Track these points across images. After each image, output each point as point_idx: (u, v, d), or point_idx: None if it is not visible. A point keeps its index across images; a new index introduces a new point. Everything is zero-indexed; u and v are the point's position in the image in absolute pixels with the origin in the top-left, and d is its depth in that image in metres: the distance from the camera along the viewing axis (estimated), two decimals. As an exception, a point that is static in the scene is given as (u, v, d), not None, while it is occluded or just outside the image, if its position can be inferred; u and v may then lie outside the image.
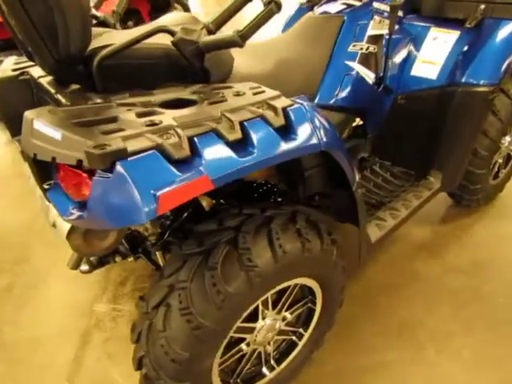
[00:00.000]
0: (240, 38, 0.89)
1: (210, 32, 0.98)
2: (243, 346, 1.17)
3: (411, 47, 1.73)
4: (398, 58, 1.72)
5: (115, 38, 1.07)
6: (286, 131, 0.90)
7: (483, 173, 1.93)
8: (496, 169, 2.10)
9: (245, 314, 1.04)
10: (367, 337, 1.58)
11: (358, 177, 1.21)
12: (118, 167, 0.69)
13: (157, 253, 1.24)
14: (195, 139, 0.77)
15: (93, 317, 1.72)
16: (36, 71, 1.18)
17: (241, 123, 0.83)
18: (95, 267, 1.42)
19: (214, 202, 1.38)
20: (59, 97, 1.02)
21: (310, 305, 1.30)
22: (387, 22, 1.61)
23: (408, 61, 1.73)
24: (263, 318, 1.16)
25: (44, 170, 0.98)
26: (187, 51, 0.98)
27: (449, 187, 1.81)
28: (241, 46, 0.90)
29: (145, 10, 4.09)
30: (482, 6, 1.56)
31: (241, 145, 0.83)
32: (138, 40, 0.96)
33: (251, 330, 1.15)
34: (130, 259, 1.45)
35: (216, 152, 0.78)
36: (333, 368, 1.48)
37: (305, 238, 1.07)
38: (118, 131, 0.77)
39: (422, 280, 1.80)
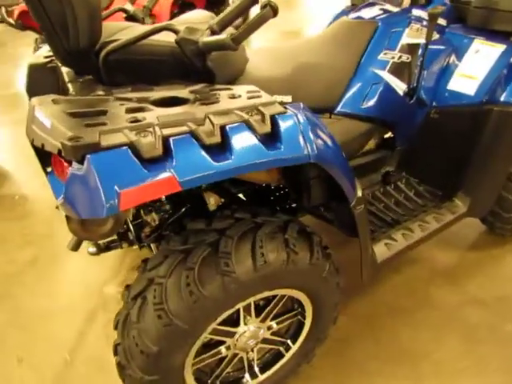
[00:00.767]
0: (232, 41, 0.87)
1: (214, 32, 0.98)
2: (223, 348, 1.16)
3: (451, 59, 1.62)
4: (435, 69, 1.61)
5: (134, 32, 1.10)
6: (272, 139, 0.87)
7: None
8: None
9: (220, 318, 1.03)
10: (363, 358, 1.51)
11: (359, 192, 1.15)
12: (87, 160, 0.71)
13: (152, 245, 1.27)
14: (170, 139, 0.77)
15: (101, 298, 1.80)
16: None
17: (222, 127, 0.82)
18: (102, 250, 1.48)
19: (222, 200, 1.39)
20: (69, 86, 1.07)
21: (299, 317, 1.27)
22: (425, 30, 1.51)
23: (446, 73, 1.62)
24: (245, 324, 1.15)
25: (48, 155, 1.04)
26: (188, 50, 0.98)
27: (476, 213, 1.67)
28: (233, 49, 0.89)
29: (201, 5, 4.17)
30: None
31: (219, 149, 0.82)
32: (142, 37, 0.99)
33: (231, 334, 1.14)
34: (135, 247, 1.50)
35: (189, 154, 0.77)
36: (320, 386, 1.43)
37: (291, 250, 1.03)
38: (100, 125, 0.79)
39: (434, 307, 1.69)
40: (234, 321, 1.13)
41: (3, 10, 3.82)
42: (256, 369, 1.29)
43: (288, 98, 1.34)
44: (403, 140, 1.73)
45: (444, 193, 1.69)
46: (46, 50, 1.46)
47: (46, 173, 1.06)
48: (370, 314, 1.68)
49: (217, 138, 0.80)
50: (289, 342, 1.31)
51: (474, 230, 2.06)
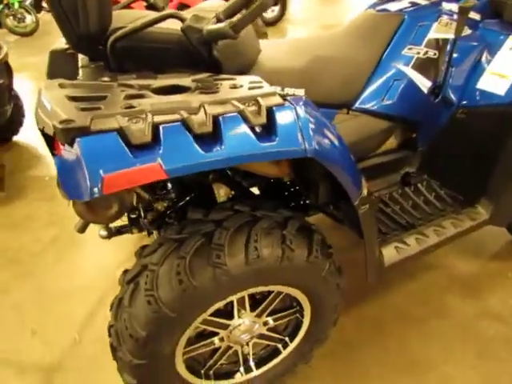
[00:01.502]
0: (232, 29, 0.86)
1: (219, 21, 0.97)
2: (216, 339, 1.16)
3: (483, 56, 1.51)
4: (464, 66, 1.52)
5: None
6: (268, 131, 0.85)
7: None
8: None
9: (211, 309, 1.02)
10: (368, 363, 1.46)
11: (365, 191, 1.11)
12: (76, 143, 0.72)
13: (155, 232, 1.28)
14: (160, 127, 0.77)
15: (113, 280, 1.85)
16: None
17: (215, 117, 0.80)
18: (113, 234, 1.52)
19: (232, 193, 1.38)
20: (80, 71, 1.10)
21: (297, 316, 1.24)
22: (455, 25, 1.42)
23: (476, 71, 1.52)
24: (239, 318, 1.14)
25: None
26: (193, 38, 0.97)
27: (499, 221, 1.57)
28: (232, 37, 0.87)
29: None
30: None
31: (211, 139, 0.81)
32: (148, 24, 0.99)
33: (225, 327, 1.14)
34: (144, 233, 1.52)
35: (178, 142, 0.77)
36: (318, 387, 1.41)
37: (287, 246, 1.01)
38: (95, 109, 0.80)
39: (449, 318, 1.61)
40: (228, 313, 1.13)
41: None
42: (251, 363, 1.28)
43: (300, 91, 1.30)
44: (426, 140, 1.65)
45: (466, 198, 1.59)
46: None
47: (53, 155, 1.09)
48: (379, 318, 1.62)
49: (208, 128, 0.79)
50: (287, 339, 1.29)
51: (499, 239, 1.94)
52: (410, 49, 1.45)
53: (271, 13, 6.03)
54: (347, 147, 1.05)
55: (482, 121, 1.51)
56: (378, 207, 1.59)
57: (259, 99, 0.87)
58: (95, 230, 2.16)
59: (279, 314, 1.22)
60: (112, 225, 1.51)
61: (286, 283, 1.08)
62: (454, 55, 1.44)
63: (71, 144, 0.74)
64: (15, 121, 3.08)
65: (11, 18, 6.52)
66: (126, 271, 1.11)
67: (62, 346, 1.57)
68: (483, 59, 1.51)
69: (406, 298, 1.70)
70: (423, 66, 1.47)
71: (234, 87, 0.94)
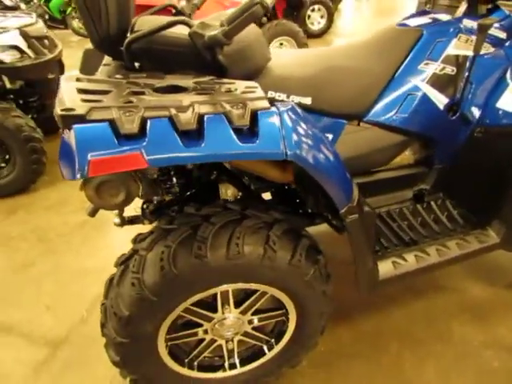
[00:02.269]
0: (224, 35, 0.91)
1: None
2: (200, 330, 1.21)
3: (505, 75, 1.47)
4: (485, 84, 1.48)
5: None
6: (250, 133, 0.90)
7: None
8: None
9: (193, 299, 1.07)
10: (357, 377, 1.44)
11: (354, 202, 1.11)
12: (72, 129, 0.81)
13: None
14: (148, 121, 0.84)
15: (126, 267, 1.96)
16: None
17: (201, 115, 0.86)
18: (125, 223, 1.61)
19: (240, 194, 1.43)
20: (100, 68, 1.20)
21: (283, 319, 1.26)
22: (476, 42, 1.40)
23: (497, 90, 1.47)
24: (223, 313, 1.18)
25: None
26: (199, 44, 1.04)
27: (510, 246, 1.49)
28: (225, 43, 0.92)
29: (280, 8, 4.26)
30: None
31: (195, 135, 0.86)
32: (159, 29, 1.07)
33: (209, 319, 1.18)
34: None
35: (162, 135, 0.83)
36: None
37: (270, 247, 1.05)
38: (96, 101, 0.89)
39: (451, 343, 1.55)
40: (213, 306, 1.17)
41: None
42: (236, 360, 1.32)
43: (307, 100, 1.34)
44: (442, 158, 1.61)
45: (479, 219, 1.54)
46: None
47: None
48: (377, 333, 1.60)
49: (192, 125, 0.85)
50: (272, 341, 1.31)
51: (518, 267, 1.84)
52: (426, 64, 1.44)
53: (317, 25, 6.07)
54: (337, 154, 1.07)
55: (501, 140, 1.46)
56: (385, 221, 1.58)
57: (247, 102, 0.91)
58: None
59: (264, 315, 1.25)
60: (126, 214, 1.62)
61: (268, 283, 1.11)
62: (474, 72, 1.41)
63: (70, 130, 0.82)
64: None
65: (77, 20, 7.07)
66: (122, 255, 1.19)
67: (71, 321, 1.69)
68: (505, 78, 1.46)
69: (409, 316, 1.66)
70: (439, 81, 1.45)
71: (229, 90, 1.00)
